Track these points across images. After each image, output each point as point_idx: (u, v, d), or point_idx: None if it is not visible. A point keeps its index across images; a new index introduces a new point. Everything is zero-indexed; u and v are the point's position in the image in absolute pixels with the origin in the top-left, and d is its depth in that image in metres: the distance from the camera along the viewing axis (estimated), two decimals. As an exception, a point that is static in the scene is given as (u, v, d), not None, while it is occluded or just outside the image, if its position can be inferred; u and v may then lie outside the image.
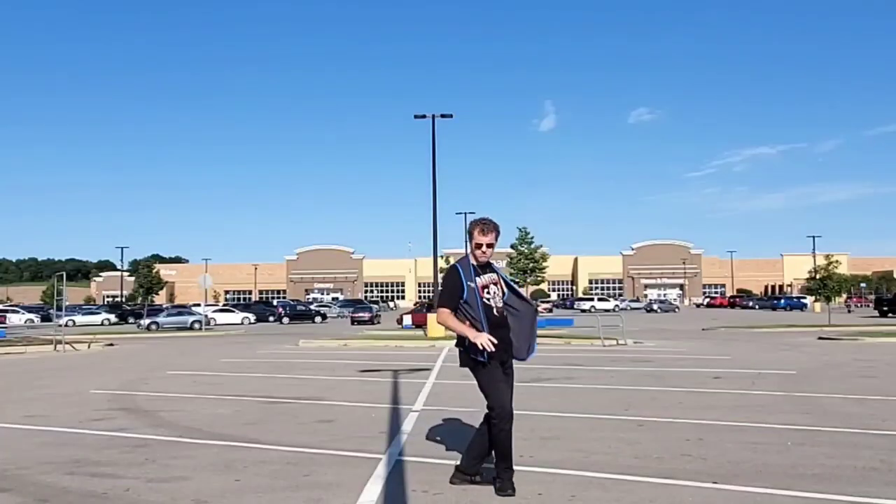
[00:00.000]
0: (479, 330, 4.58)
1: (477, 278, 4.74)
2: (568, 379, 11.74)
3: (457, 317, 4.70)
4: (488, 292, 4.75)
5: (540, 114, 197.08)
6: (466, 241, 5.01)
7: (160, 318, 41.29)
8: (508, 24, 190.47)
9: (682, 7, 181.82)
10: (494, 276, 4.88)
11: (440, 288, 4.78)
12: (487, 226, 4.79)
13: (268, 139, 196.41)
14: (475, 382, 4.76)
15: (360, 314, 44.61)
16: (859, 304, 74.73)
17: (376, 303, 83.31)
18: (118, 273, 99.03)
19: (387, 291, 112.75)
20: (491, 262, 4.91)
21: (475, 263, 4.80)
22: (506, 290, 4.92)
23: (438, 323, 4.86)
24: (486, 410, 4.72)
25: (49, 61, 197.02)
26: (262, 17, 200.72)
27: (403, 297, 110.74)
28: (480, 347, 4.48)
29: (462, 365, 4.80)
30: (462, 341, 4.73)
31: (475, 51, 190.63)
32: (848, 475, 5.14)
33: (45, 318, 51.73)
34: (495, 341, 4.52)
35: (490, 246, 4.81)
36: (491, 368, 4.65)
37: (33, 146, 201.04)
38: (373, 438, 6.75)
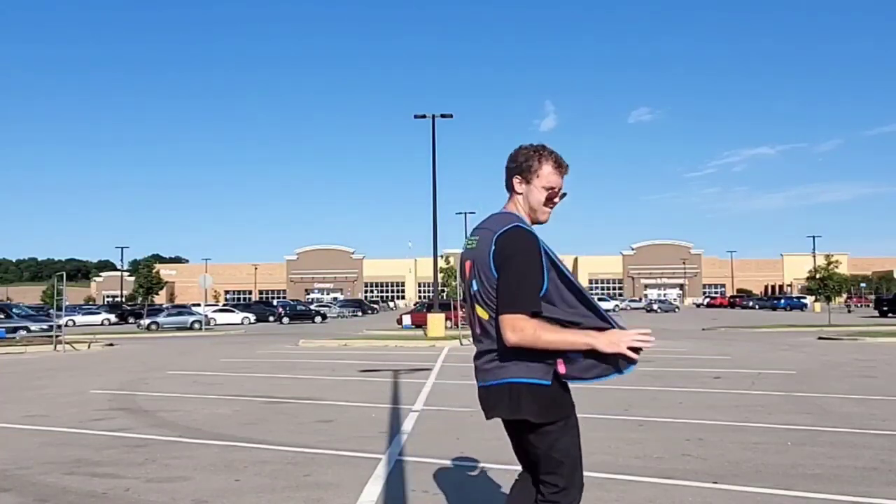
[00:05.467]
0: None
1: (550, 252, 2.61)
2: (568, 379, 11.70)
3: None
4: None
5: (540, 114, 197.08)
6: (512, 188, 2.68)
7: (160, 318, 41.25)
8: (508, 24, 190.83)
9: (682, 7, 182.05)
10: None
11: (519, 275, 2.47)
12: (563, 159, 2.69)
13: (268, 139, 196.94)
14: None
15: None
16: (859, 304, 74.71)
17: (376, 303, 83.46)
18: (118, 273, 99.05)
19: (387, 291, 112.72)
20: (497, 214, 2.65)
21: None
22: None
23: (519, 343, 2.36)
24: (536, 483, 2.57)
25: (49, 61, 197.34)
26: (262, 17, 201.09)
27: (403, 297, 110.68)
28: (631, 354, 2.42)
29: (542, 417, 2.42)
30: (545, 368, 2.42)
31: (475, 51, 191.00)
32: (848, 475, 5.14)
33: (46, 318, 51.64)
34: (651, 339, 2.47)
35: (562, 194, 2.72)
36: (575, 420, 2.56)
37: (33, 146, 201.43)
38: (373, 438, 6.75)
